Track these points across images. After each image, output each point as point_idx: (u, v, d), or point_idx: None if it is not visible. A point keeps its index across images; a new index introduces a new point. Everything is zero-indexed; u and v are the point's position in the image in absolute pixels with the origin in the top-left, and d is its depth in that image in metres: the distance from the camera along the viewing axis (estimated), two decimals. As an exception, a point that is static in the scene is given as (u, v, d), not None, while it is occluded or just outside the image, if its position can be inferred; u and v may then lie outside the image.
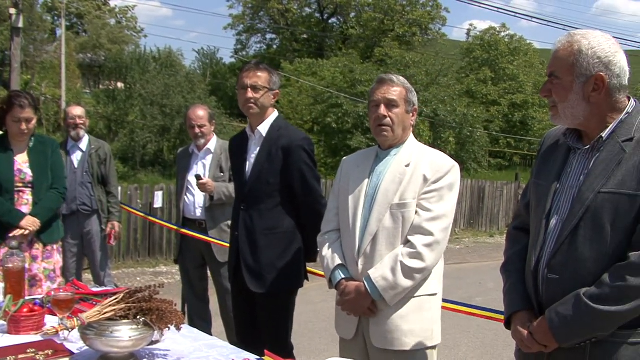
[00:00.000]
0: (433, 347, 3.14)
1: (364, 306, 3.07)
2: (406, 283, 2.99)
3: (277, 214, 3.91)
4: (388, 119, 3.14)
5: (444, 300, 3.43)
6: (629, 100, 2.37)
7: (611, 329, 2.24)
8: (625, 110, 2.35)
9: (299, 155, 3.89)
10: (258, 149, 3.96)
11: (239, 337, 4.15)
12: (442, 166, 3.11)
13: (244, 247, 3.93)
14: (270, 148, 3.91)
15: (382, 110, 3.15)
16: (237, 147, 4.18)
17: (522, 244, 2.61)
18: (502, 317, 2.63)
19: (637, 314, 2.22)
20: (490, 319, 3.91)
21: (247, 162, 4.01)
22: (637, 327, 2.26)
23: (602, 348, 2.28)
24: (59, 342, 2.71)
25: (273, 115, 4.03)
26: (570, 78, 2.32)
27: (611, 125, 2.34)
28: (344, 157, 3.53)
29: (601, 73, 2.29)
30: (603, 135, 2.33)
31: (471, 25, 40.86)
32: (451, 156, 3.27)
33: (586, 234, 2.27)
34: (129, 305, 2.56)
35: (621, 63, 2.32)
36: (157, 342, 2.67)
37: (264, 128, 3.97)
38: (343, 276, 3.16)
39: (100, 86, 37.00)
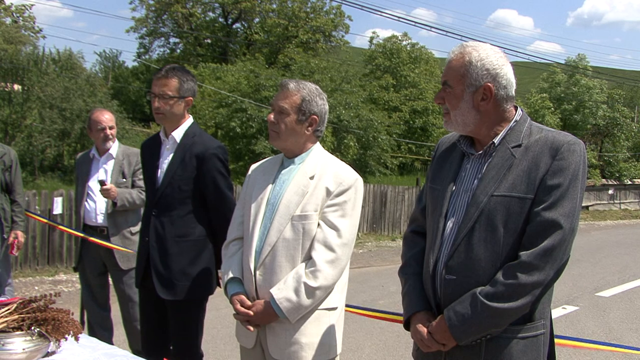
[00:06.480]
0: None
1: (268, 322, 3.05)
2: (309, 302, 2.98)
3: (189, 221, 3.86)
4: (277, 125, 3.12)
5: (348, 305, 3.46)
6: (516, 110, 2.52)
7: (505, 325, 2.35)
8: (514, 119, 2.49)
9: (213, 164, 3.86)
10: (171, 155, 3.90)
11: (145, 345, 4.06)
12: (345, 179, 3.08)
13: (154, 254, 3.86)
14: (184, 155, 3.86)
15: (271, 116, 3.14)
16: (150, 151, 4.09)
17: (419, 247, 2.70)
18: (402, 318, 2.68)
19: (527, 310, 2.36)
20: (393, 321, 3.98)
21: (160, 169, 3.94)
22: (526, 322, 2.40)
23: (496, 344, 2.39)
24: (-54, 356, 2.60)
25: (188, 121, 3.98)
26: (461, 87, 2.44)
27: (501, 132, 2.47)
28: (252, 165, 3.50)
29: (489, 84, 2.42)
30: (495, 142, 2.45)
31: (374, 33, 41.43)
32: (355, 161, 3.30)
33: (481, 235, 2.38)
34: (22, 315, 2.49)
35: (508, 75, 2.46)
36: (53, 353, 2.59)
37: (178, 134, 3.92)
38: (234, 291, 3.14)
39: (-5, 88, 35.42)
